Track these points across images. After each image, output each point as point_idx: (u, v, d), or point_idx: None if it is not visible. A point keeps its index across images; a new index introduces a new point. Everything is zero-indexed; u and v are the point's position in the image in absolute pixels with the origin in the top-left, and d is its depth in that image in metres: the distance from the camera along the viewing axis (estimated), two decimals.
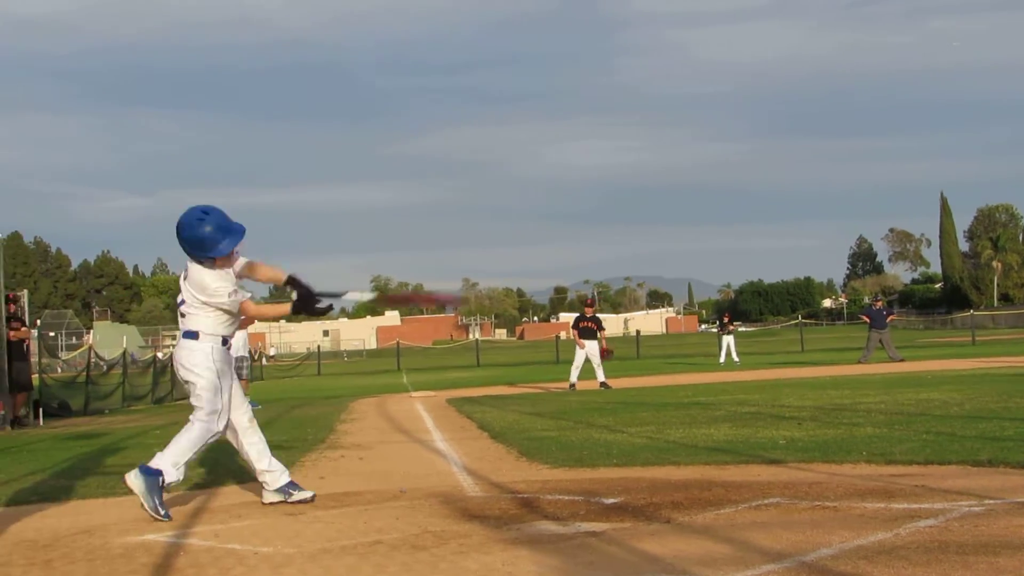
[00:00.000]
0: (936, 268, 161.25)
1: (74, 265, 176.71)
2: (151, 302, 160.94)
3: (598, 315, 26.16)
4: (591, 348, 25.18)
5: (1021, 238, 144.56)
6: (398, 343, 69.21)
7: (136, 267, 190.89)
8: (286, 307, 8.13)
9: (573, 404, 18.48)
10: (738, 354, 40.40)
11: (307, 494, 8.01)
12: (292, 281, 7.89)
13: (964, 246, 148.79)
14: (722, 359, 39.46)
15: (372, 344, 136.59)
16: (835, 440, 10.30)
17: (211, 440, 7.84)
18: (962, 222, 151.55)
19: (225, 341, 8.00)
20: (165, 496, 7.61)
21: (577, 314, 26.30)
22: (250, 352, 24.09)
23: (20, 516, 7.86)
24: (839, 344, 56.63)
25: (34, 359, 22.62)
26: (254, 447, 8.07)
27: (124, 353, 29.89)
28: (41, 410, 21.22)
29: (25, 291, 23.01)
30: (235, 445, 8.15)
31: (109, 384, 28.24)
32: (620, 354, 58.05)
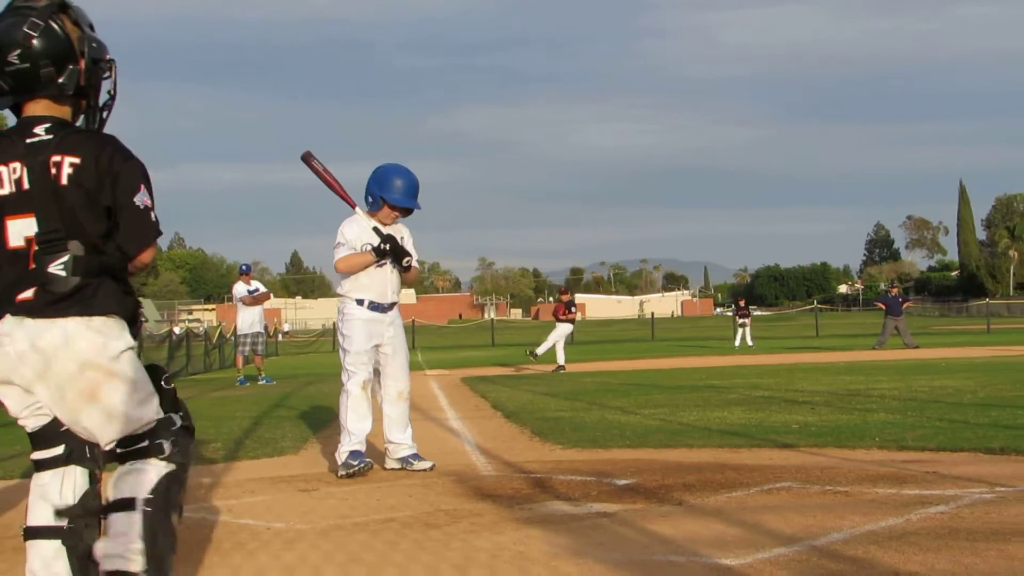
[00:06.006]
0: (953, 256, 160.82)
1: None
2: (168, 276, 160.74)
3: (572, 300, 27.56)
4: (565, 330, 26.18)
5: None
6: (413, 321, 69.21)
7: None
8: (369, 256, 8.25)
9: (587, 385, 18.50)
10: (753, 338, 40.34)
11: (426, 464, 8.33)
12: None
13: (981, 234, 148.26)
14: (737, 343, 39.41)
15: None
16: (848, 425, 10.30)
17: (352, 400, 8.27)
18: (980, 210, 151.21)
19: (360, 303, 8.33)
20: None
21: (565, 300, 27.00)
22: (265, 328, 24.14)
23: None
24: (854, 330, 56.47)
25: None
26: (388, 418, 8.42)
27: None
28: None
29: None
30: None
31: None
32: (636, 336, 58.03)
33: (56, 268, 3.85)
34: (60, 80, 4.03)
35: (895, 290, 35.54)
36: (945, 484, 6.80)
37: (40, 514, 3.88)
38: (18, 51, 3.94)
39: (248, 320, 22.53)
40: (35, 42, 3.95)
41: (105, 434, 3.92)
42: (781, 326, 76.49)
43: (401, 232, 8.44)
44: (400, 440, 8.37)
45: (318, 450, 10.02)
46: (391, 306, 8.42)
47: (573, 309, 26.80)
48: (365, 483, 7.79)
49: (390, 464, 8.38)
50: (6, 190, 3.92)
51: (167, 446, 3.97)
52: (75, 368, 3.85)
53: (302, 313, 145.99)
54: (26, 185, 3.90)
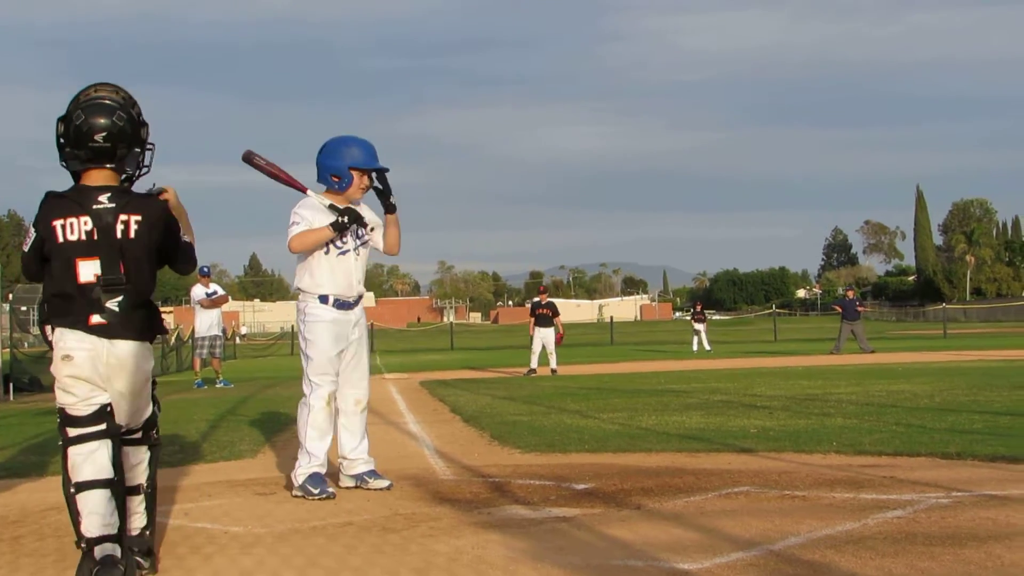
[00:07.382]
0: (910, 261, 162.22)
1: None
2: None
3: (552, 301, 26.24)
4: (547, 335, 25.30)
5: (995, 233, 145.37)
6: (372, 324, 69.04)
7: None
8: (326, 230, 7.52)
9: (546, 389, 18.49)
10: (710, 343, 40.47)
11: (384, 482, 7.60)
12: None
13: (938, 240, 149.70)
14: (695, 347, 39.52)
15: None
16: (806, 430, 10.35)
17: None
18: (937, 216, 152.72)
19: (324, 300, 7.61)
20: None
21: (534, 300, 26.42)
22: (223, 331, 24.04)
23: None
24: (812, 334, 56.79)
25: (4, 333, 22.50)
26: (343, 429, 7.70)
27: None
28: (12, 385, 21.09)
29: None
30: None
31: None
32: (594, 340, 58.15)
33: (112, 304, 5.06)
34: (125, 158, 5.20)
35: (851, 294, 35.71)
36: (902, 489, 6.84)
37: (88, 471, 4.94)
38: (104, 134, 5.07)
39: (206, 323, 22.45)
40: (120, 129, 5.11)
41: (134, 419, 5.26)
42: (739, 330, 76.84)
43: (365, 213, 7.69)
44: (356, 456, 7.65)
45: (275, 454, 9.96)
46: (358, 300, 7.69)
47: (540, 310, 25.60)
48: None
49: (345, 482, 7.64)
50: (75, 236, 5.01)
51: (154, 435, 5.42)
52: (135, 373, 5.15)
53: (260, 316, 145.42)
54: (96, 237, 5.02)
